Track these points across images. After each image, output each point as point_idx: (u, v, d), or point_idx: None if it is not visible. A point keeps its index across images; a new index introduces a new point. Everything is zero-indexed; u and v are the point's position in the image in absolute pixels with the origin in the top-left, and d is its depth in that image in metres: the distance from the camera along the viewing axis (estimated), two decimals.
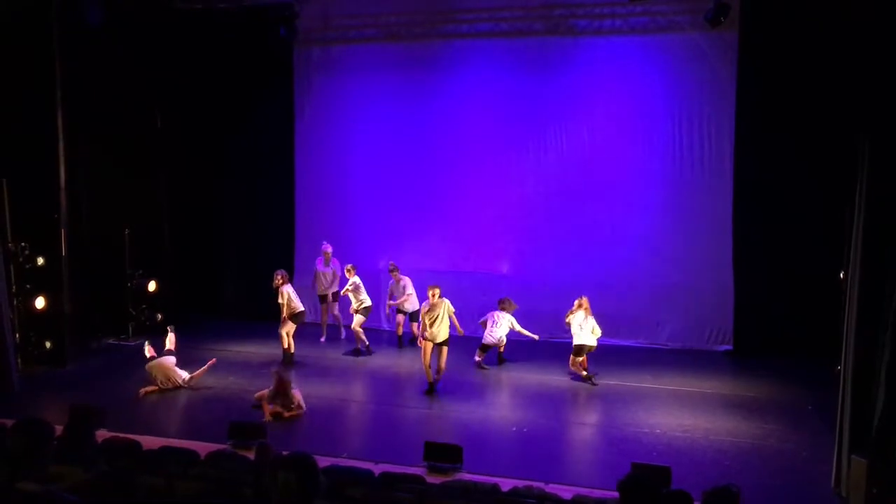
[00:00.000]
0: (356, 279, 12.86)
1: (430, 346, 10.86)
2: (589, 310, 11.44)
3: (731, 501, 4.36)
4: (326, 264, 13.48)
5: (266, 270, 14.83)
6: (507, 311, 12.21)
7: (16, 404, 10.21)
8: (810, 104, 11.82)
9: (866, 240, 7.46)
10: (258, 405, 10.11)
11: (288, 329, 12.26)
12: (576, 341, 11.37)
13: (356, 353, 12.73)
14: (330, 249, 13.51)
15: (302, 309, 12.37)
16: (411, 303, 12.97)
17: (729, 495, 4.36)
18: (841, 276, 9.50)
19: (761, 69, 12.29)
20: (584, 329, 11.32)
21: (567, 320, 11.52)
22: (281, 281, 12.23)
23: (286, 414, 9.88)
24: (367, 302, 12.90)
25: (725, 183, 12.80)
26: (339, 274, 13.46)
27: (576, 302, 11.53)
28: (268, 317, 14.42)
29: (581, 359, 11.37)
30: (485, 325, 12.22)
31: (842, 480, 7.69)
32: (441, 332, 10.85)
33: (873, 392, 7.28)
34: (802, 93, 11.90)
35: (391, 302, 13.20)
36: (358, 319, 12.72)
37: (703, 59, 12.73)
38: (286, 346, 12.28)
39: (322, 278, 13.49)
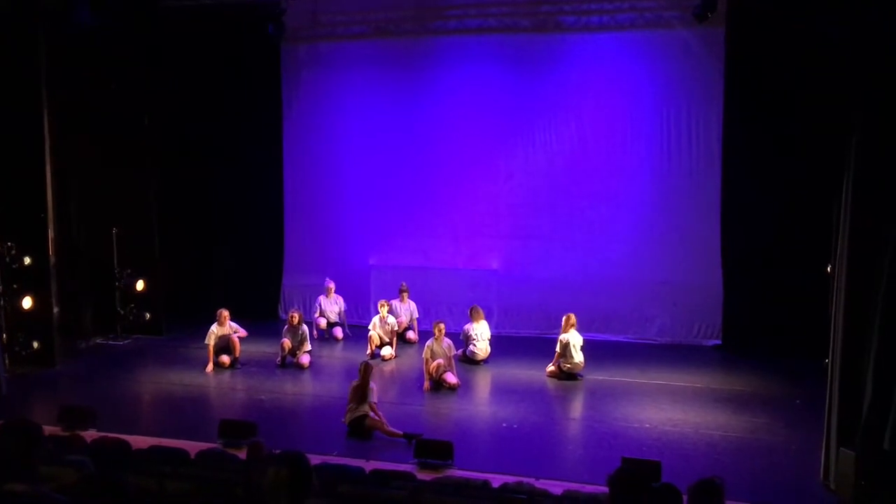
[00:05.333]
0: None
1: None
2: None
3: (715, 494, 4.37)
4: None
5: (254, 268, 14.88)
6: (482, 320, 12.23)
7: (4, 405, 10.15)
8: (797, 99, 11.84)
9: (853, 233, 7.50)
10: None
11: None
12: (578, 359, 11.29)
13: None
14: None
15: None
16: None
17: (713, 488, 4.38)
18: (828, 269, 9.54)
19: (749, 64, 12.32)
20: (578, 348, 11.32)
21: (566, 343, 11.28)
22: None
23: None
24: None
25: (713, 178, 12.84)
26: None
27: (567, 319, 11.43)
28: (256, 315, 14.40)
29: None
30: (467, 339, 12.14)
31: (830, 473, 7.74)
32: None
33: (861, 385, 7.32)
34: (789, 88, 11.92)
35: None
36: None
37: (691, 54, 12.78)
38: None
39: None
